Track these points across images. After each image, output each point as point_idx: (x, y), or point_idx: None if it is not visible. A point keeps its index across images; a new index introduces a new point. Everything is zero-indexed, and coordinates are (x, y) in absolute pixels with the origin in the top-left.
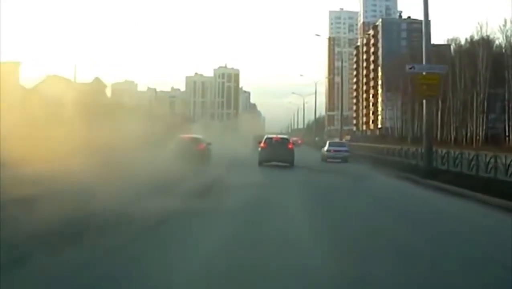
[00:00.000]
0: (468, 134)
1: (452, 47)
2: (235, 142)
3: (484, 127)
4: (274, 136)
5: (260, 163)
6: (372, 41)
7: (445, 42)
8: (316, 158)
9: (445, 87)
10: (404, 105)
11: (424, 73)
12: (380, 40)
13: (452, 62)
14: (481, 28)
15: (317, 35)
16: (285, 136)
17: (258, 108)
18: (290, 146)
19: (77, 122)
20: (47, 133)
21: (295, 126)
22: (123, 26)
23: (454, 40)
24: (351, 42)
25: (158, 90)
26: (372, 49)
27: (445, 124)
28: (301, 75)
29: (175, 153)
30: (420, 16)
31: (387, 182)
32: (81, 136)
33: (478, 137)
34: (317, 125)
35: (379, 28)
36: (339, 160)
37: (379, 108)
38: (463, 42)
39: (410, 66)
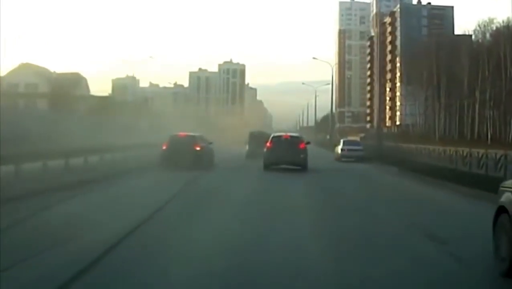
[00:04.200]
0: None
1: (487, 31)
2: (228, 142)
3: None
4: (283, 134)
5: (266, 166)
6: (389, 29)
7: (476, 26)
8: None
9: (483, 76)
10: (427, 99)
11: None
12: (398, 28)
13: (489, 47)
14: None
15: None
16: (295, 134)
17: (265, 105)
18: (302, 146)
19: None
20: None
21: (304, 124)
22: (124, 19)
23: (490, 21)
24: (363, 34)
25: (160, 85)
26: (389, 39)
27: (483, 119)
28: (314, 58)
29: (167, 154)
30: (441, 2)
31: None
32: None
33: None
34: (327, 122)
35: (397, 15)
36: (353, 160)
37: (397, 103)
38: (499, 24)
39: None
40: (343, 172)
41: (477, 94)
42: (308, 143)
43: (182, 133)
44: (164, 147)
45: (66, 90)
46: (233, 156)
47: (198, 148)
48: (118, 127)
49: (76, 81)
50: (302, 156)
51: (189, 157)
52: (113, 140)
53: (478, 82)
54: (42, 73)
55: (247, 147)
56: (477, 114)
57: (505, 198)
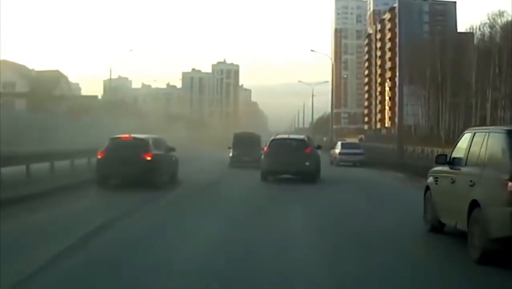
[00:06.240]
0: None
1: (497, 24)
2: (216, 146)
3: None
4: (284, 136)
5: (264, 177)
6: (388, 26)
7: (486, 18)
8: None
9: (493, 72)
10: (429, 98)
11: None
12: (398, 25)
13: (500, 42)
14: None
15: None
16: (300, 137)
17: (260, 107)
18: (307, 150)
19: None
20: None
21: (299, 126)
22: (115, 19)
23: (500, 14)
24: (359, 33)
25: (153, 86)
26: (388, 36)
27: (495, 120)
28: (312, 50)
29: (103, 166)
30: None
31: None
32: None
33: None
34: (322, 124)
35: (397, 11)
36: (351, 164)
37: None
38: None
39: None
40: (371, 195)
41: (489, 92)
42: (318, 147)
43: (126, 136)
44: (99, 156)
45: (45, 89)
46: (214, 164)
47: (148, 158)
48: (100, 128)
49: (56, 79)
50: (307, 163)
51: (135, 171)
52: (84, 142)
53: (489, 79)
54: (20, 71)
55: (230, 153)
56: (488, 113)
57: (429, 180)
